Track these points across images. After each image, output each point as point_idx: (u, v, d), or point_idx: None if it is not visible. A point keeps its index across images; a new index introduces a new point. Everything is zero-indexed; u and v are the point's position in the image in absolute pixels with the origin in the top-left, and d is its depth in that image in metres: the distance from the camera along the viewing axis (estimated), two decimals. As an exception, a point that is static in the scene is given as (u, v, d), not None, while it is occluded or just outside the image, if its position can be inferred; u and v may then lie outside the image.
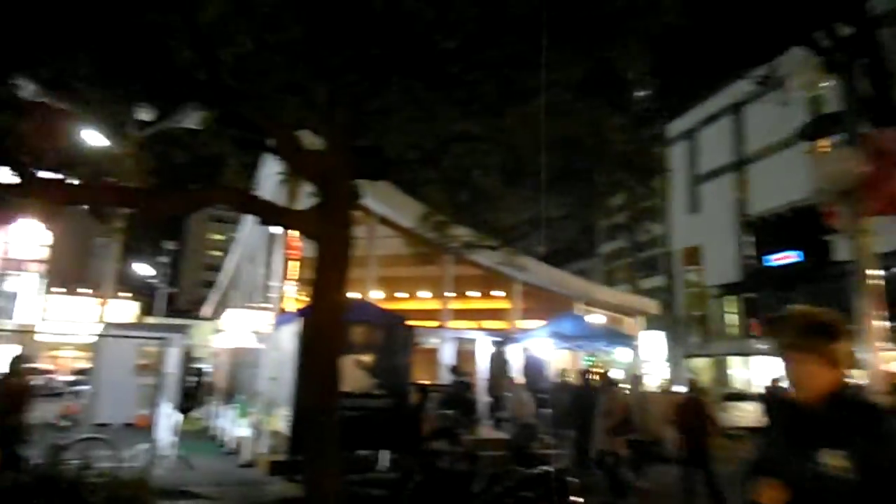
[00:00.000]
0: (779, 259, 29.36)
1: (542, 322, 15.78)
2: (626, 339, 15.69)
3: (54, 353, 37.37)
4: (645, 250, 39.43)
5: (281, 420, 10.54)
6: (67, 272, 38.83)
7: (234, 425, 12.65)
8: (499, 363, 13.77)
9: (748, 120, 32.07)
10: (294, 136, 5.37)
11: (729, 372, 32.35)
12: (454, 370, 11.57)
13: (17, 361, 7.88)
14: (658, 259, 38.51)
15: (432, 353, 15.96)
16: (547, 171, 7.09)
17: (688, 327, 33.12)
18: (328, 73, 5.12)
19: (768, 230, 30.42)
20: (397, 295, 18.89)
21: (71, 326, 27.69)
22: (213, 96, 5.30)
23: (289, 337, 10.52)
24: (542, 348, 14.25)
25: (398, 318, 11.87)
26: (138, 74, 6.50)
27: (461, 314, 18.39)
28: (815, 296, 28.78)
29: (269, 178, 12.17)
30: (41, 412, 9.12)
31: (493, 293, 17.92)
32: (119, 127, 8.66)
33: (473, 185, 7.85)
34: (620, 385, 12.44)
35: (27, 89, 6.57)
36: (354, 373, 10.04)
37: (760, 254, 30.74)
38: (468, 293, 18.33)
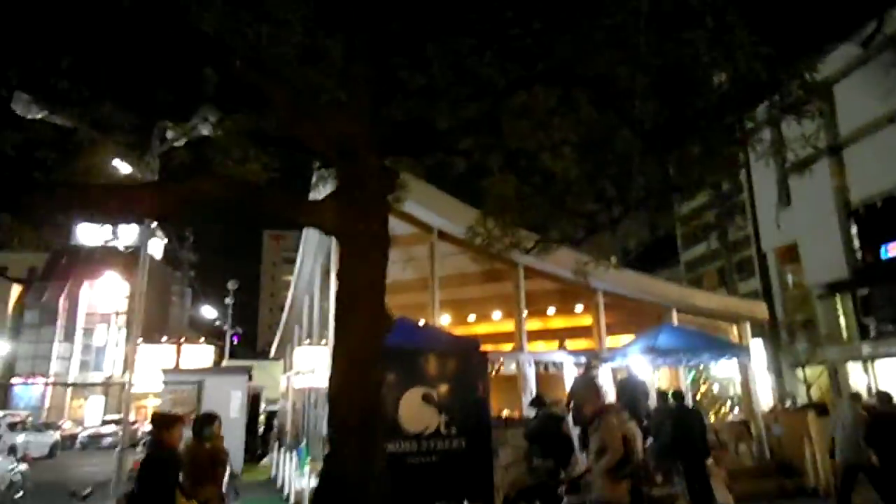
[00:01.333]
0: (894, 248, 25.89)
1: (632, 336, 13.86)
2: (736, 350, 13.46)
3: (140, 403, 37.84)
4: (735, 252, 36.22)
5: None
6: (146, 321, 39.55)
7: (295, 474, 11.36)
8: (587, 388, 11.88)
9: (840, 97, 28.92)
10: (296, 93, 4.03)
11: (849, 381, 28.70)
12: (537, 401, 9.77)
13: (205, 422, 6.62)
14: (750, 261, 35.23)
15: (511, 380, 14.28)
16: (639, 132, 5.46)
17: (792, 333, 29.75)
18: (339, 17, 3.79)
19: (878, 217, 27.01)
20: (466, 318, 17.33)
21: (154, 375, 27.84)
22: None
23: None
24: (637, 366, 12.30)
25: (470, 342, 10.33)
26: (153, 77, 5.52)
27: (539, 335, 16.63)
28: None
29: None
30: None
31: (574, 308, 16.06)
32: (141, 150, 7.72)
33: (543, 168, 6.30)
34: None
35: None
36: (422, 410, 8.54)
37: (871, 244, 27.27)
38: (546, 310, 16.57)
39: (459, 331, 16.63)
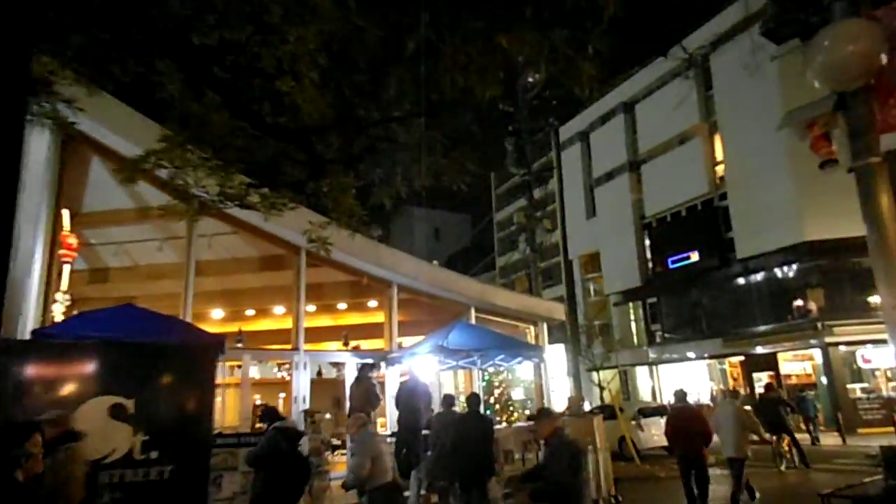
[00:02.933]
0: (678, 260, 27.96)
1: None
2: (531, 351, 12.63)
3: None
4: (544, 260, 37.40)
5: None
6: None
7: None
8: (363, 392, 10.19)
9: (641, 117, 30.89)
10: None
11: (637, 384, 30.57)
12: (266, 412, 7.31)
13: None
14: (558, 269, 36.59)
15: (284, 385, 12.16)
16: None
17: (590, 338, 31.07)
18: None
19: (666, 231, 29.10)
20: (242, 312, 14.82)
21: None
22: None
23: None
24: (424, 368, 10.87)
25: (207, 337, 8.05)
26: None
27: (329, 332, 14.68)
28: (715, 296, 27.80)
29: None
30: None
31: (367, 304, 14.34)
32: None
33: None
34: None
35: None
36: (108, 429, 6.13)
37: (660, 256, 29.31)
38: (336, 305, 14.66)
39: (234, 327, 14.12)
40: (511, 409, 16.26)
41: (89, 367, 6.25)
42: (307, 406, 11.27)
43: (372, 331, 14.17)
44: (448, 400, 9.11)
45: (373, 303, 14.12)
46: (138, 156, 4.77)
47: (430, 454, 8.99)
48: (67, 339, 6.95)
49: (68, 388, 6.07)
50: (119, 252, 12.81)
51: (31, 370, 5.97)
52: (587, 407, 17.22)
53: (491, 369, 16.11)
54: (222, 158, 4.89)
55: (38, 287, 9.51)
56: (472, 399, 8.66)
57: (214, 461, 7.15)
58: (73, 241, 9.90)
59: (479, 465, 8.49)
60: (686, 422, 8.12)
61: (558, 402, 26.82)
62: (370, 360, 11.31)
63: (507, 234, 43.75)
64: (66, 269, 9.88)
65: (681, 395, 8.88)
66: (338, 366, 12.45)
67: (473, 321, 13.86)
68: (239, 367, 14.82)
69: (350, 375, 11.91)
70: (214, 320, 14.12)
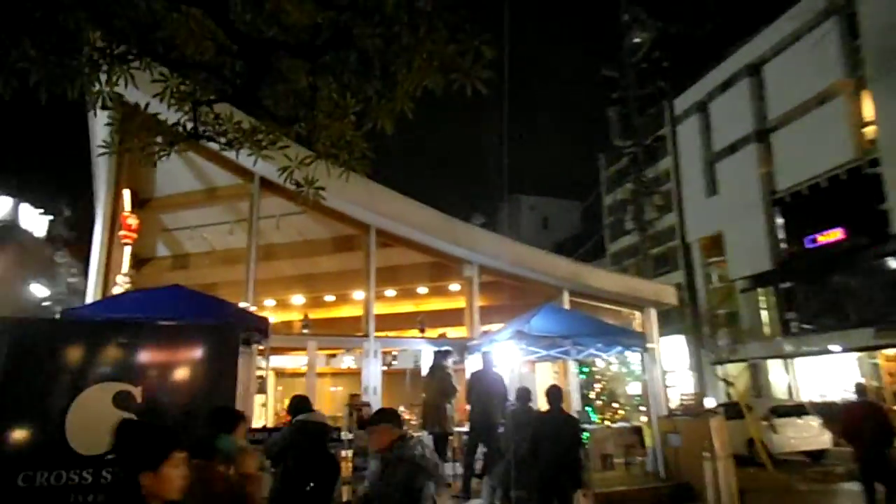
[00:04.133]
0: (821, 240, 24.30)
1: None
2: (635, 339, 10.81)
3: None
4: (657, 245, 34.46)
5: None
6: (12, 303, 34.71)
7: None
8: (438, 383, 9.00)
9: (770, 80, 27.25)
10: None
11: (770, 379, 27.11)
12: (295, 403, 6.05)
13: None
14: (673, 254, 33.50)
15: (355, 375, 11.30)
16: None
17: (714, 328, 27.99)
18: None
19: (802, 206, 25.42)
20: (321, 298, 14.17)
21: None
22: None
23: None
24: (503, 356, 9.47)
25: (245, 318, 7.22)
26: None
27: (407, 319, 13.66)
28: (865, 279, 23.86)
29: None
30: None
31: (448, 288, 13.15)
32: None
33: None
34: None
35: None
36: (110, 420, 5.37)
37: (795, 235, 25.70)
38: (416, 290, 13.61)
39: (303, 314, 13.50)
40: (616, 407, 14.41)
41: (91, 350, 5.50)
42: (378, 398, 10.31)
43: (455, 318, 12.97)
44: (523, 394, 7.69)
45: (455, 286, 12.91)
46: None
47: (503, 457, 7.64)
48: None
49: (67, 373, 5.36)
50: (195, 237, 12.55)
51: (27, 350, 5.32)
52: (709, 404, 14.99)
53: (595, 361, 14.42)
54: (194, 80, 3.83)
55: (98, 268, 9.24)
56: (553, 393, 7.19)
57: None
58: (132, 221, 9.56)
59: (563, 473, 7.05)
60: (866, 419, 7.16)
61: (676, 397, 24.35)
62: (446, 348, 10.10)
63: (616, 219, 40.94)
64: (127, 250, 9.56)
65: (860, 388, 8.28)
66: (416, 356, 11.35)
67: (567, 305, 12.25)
68: (332, 355, 14.28)
69: (426, 365, 10.81)
70: (282, 307, 13.60)
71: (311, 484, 4.84)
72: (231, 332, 6.09)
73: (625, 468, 10.26)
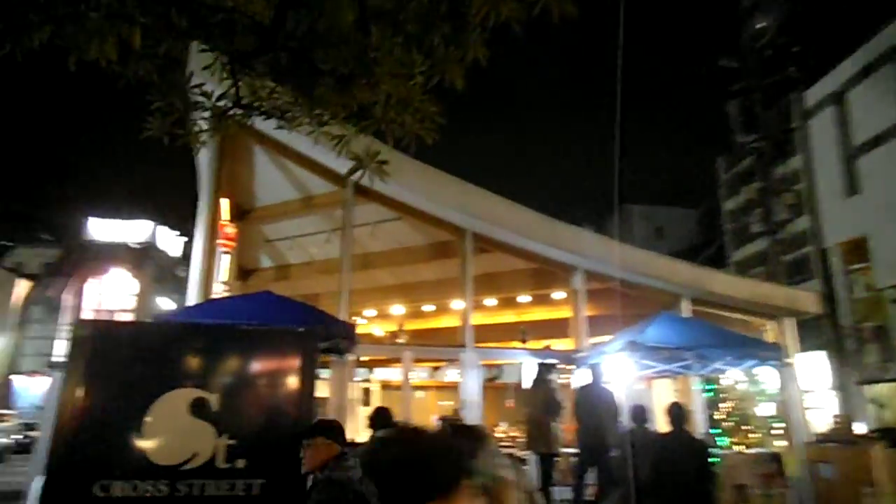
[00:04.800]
0: None
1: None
2: (768, 351, 9.38)
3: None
4: (788, 252, 31.25)
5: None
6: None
7: None
8: (542, 397, 8.16)
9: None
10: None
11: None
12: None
13: None
14: (807, 261, 30.19)
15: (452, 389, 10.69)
16: None
17: (860, 343, 24.75)
18: None
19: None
20: (419, 308, 13.73)
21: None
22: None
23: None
24: (612, 370, 8.47)
25: (329, 322, 6.84)
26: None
27: (508, 330, 12.89)
28: None
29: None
30: None
31: (551, 296, 12.24)
32: None
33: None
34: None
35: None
36: (187, 428, 5.08)
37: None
38: (516, 299, 12.83)
39: (411, 326, 13.11)
40: (748, 429, 12.73)
41: (168, 353, 5.26)
42: (479, 413, 9.62)
43: (559, 329, 12.04)
44: (639, 413, 6.71)
45: (559, 294, 11.99)
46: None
47: (618, 486, 6.70)
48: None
49: (146, 377, 5.15)
50: (295, 247, 12.58)
51: (108, 353, 5.17)
52: (858, 429, 12.94)
53: (721, 378, 12.87)
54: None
55: (200, 277, 9.33)
56: (676, 412, 6.17)
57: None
58: (230, 230, 9.61)
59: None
60: None
61: (817, 421, 21.65)
62: (551, 360, 9.26)
63: (740, 225, 37.74)
64: (226, 259, 9.60)
65: None
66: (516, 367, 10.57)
67: (689, 314, 10.98)
68: (435, 368, 13.86)
69: (527, 378, 10.00)
70: (380, 317, 13.29)
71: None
72: (311, 338, 5.66)
73: (763, 501, 8.84)
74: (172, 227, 49.03)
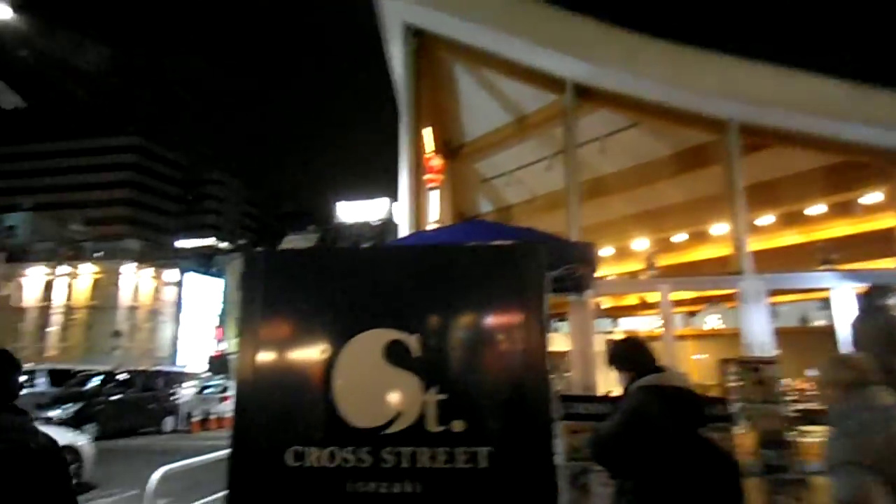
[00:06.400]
0: None
1: None
2: None
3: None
4: None
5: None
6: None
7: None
8: (877, 331, 5.62)
9: None
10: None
11: None
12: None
13: None
14: None
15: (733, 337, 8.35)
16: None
17: None
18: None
19: None
20: (668, 239, 11.33)
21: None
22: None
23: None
24: None
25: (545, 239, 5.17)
26: None
27: (795, 254, 9.95)
28: None
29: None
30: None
31: (858, 199, 8.98)
32: None
33: None
34: None
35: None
36: (384, 379, 3.80)
37: None
38: (804, 211, 9.76)
39: (662, 262, 10.86)
40: None
41: (357, 284, 4.03)
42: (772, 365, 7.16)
43: (878, 245, 8.77)
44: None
45: (873, 197, 8.69)
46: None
47: None
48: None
49: (332, 315, 3.99)
50: (512, 182, 11.12)
51: (285, 285, 4.13)
52: None
53: None
54: None
55: (409, 217, 8.35)
56: None
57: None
58: (436, 162, 8.43)
59: None
60: None
61: None
62: (884, 283, 6.47)
63: None
64: (434, 195, 8.46)
65: None
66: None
67: None
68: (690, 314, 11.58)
69: (840, 313, 7.21)
70: (620, 256, 11.19)
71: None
72: (534, 256, 4.02)
73: None
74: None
